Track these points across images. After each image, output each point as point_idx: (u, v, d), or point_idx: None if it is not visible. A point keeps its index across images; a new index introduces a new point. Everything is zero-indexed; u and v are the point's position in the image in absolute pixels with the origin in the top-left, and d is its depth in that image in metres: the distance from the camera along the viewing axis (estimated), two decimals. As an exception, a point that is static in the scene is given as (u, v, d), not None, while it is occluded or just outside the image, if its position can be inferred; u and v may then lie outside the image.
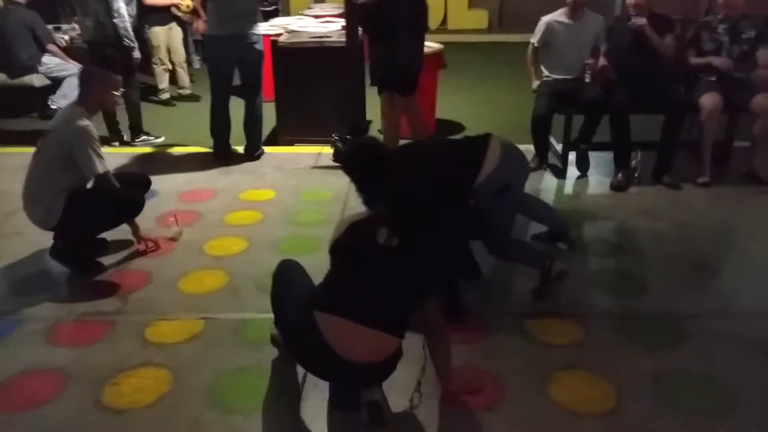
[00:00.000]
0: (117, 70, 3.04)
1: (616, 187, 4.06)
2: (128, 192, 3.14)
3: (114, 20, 4.70)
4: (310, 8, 7.71)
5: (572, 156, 4.40)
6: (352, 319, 1.90)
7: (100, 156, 2.93)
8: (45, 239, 3.19)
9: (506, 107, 6.17)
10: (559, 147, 4.50)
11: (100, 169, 2.92)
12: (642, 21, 4.01)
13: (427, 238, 2.03)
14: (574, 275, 2.92)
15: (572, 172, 4.34)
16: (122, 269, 3.16)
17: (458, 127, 5.66)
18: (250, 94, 4.54)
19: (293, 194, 4.08)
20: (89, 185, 3.09)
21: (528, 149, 4.33)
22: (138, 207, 3.16)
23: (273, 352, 2.44)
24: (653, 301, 2.85)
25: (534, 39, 4.38)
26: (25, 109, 6.09)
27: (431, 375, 2.22)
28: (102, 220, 3.09)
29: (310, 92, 4.88)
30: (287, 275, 2.29)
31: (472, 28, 10.43)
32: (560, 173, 4.33)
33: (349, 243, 2.05)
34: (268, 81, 5.01)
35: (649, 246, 3.35)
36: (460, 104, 6.34)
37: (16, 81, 5.74)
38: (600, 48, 4.27)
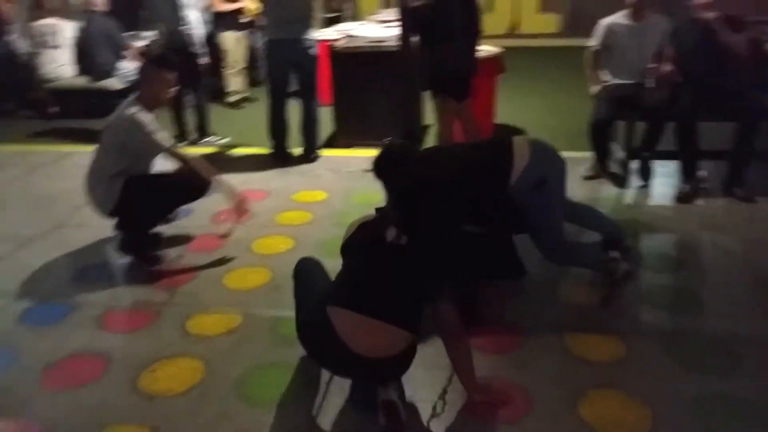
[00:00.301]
0: (170, 67, 3.17)
1: (681, 198, 3.83)
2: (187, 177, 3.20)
3: (181, 27, 4.92)
4: (376, 13, 7.78)
5: (635, 164, 4.21)
6: (363, 313, 1.93)
7: (158, 132, 3.06)
8: (108, 231, 3.39)
9: (569, 112, 5.96)
10: (621, 155, 4.31)
11: (166, 143, 3.07)
12: (713, 14, 3.77)
13: (434, 238, 2.01)
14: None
15: (634, 181, 4.15)
16: (174, 262, 3.29)
17: (518, 133, 5.53)
18: (306, 98, 4.64)
19: (344, 197, 4.12)
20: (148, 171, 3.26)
21: (587, 156, 4.19)
22: (195, 191, 3.26)
23: (302, 350, 2.46)
24: (707, 321, 2.66)
25: (593, 42, 4.23)
26: (105, 111, 6.47)
27: (459, 384, 2.18)
28: (157, 204, 3.25)
29: (366, 96, 4.93)
30: (305, 274, 2.36)
31: (544, 32, 10.21)
32: (621, 182, 4.13)
33: (359, 242, 2.08)
34: (327, 85, 5.09)
35: (712, 262, 3.15)
36: (521, 109, 6.20)
37: (97, 84, 6.14)
38: (665, 51, 4.06)
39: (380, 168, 2.58)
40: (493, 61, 5.06)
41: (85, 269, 3.25)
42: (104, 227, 3.44)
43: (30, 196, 4.30)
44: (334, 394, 2.26)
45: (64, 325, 2.75)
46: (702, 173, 4.00)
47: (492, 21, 10.00)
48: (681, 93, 3.96)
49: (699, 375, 2.30)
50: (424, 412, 2.15)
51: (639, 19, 4.05)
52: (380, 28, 6.08)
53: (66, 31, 6.33)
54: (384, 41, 5.12)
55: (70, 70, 6.33)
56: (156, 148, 3.10)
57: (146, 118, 3.06)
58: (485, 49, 5.32)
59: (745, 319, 2.66)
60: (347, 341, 1.92)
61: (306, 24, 4.44)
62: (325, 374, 2.33)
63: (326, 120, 5.07)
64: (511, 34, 10.14)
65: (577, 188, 3.94)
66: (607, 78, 4.21)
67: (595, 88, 4.28)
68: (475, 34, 4.22)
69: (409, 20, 4.45)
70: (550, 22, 10.37)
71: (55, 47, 6.34)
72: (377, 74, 4.87)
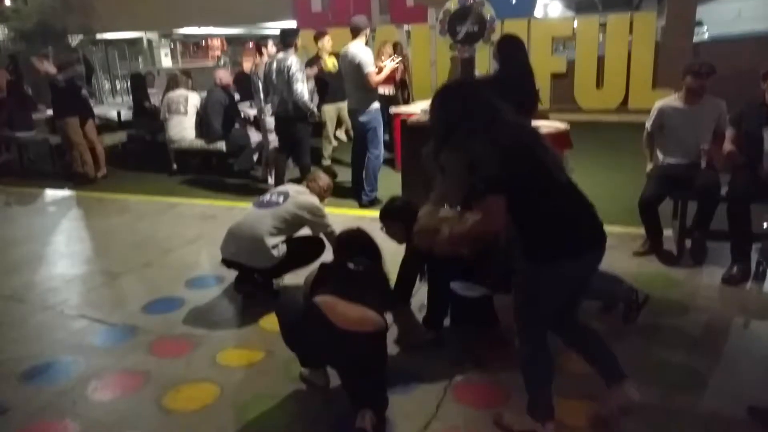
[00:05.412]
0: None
1: (728, 280, 3.69)
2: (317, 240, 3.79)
3: (294, 97, 5.51)
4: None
5: (688, 244, 4.12)
6: (342, 298, 2.48)
7: (328, 219, 3.70)
8: (186, 273, 4.07)
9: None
10: (672, 233, 4.24)
11: (333, 228, 3.66)
12: None
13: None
14: (628, 361, 2.73)
15: (687, 260, 4.05)
16: (224, 302, 3.77)
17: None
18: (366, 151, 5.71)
19: (392, 254, 4.41)
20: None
21: (640, 232, 4.20)
22: (323, 250, 3.77)
23: (302, 387, 2.79)
24: (703, 402, 2.60)
25: (648, 123, 4.30)
26: (217, 170, 7.42)
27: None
28: (301, 262, 3.74)
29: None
30: (284, 305, 2.72)
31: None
32: (672, 260, 4.06)
33: (327, 272, 2.77)
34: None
35: (733, 346, 3.05)
36: (597, 184, 6.18)
37: (210, 146, 7.07)
38: (723, 133, 4.01)
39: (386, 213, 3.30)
40: (560, 136, 5.20)
41: (153, 302, 3.81)
42: (183, 269, 4.09)
43: (132, 240, 5.04)
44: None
45: (123, 347, 3.27)
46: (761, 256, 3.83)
47: (602, 96, 10.06)
48: (736, 175, 3.88)
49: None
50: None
51: (692, 103, 4.05)
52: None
53: (193, 100, 7.38)
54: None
55: (192, 134, 7.32)
56: (323, 228, 3.71)
57: (322, 206, 3.75)
58: (552, 125, 5.49)
59: (746, 403, 2.55)
60: (331, 317, 2.37)
61: (357, 96, 5.57)
62: (315, 407, 2.61)
63: (396, 185, 5.49)
64: (622, 109, 10.01)
65: (624, 263, 3.95)
66: (660, 158, 4.22)
67: (649, 167, 4.31)
68: (528, 111, 4.39)
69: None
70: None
71: (183, 113, 7.38)
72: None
